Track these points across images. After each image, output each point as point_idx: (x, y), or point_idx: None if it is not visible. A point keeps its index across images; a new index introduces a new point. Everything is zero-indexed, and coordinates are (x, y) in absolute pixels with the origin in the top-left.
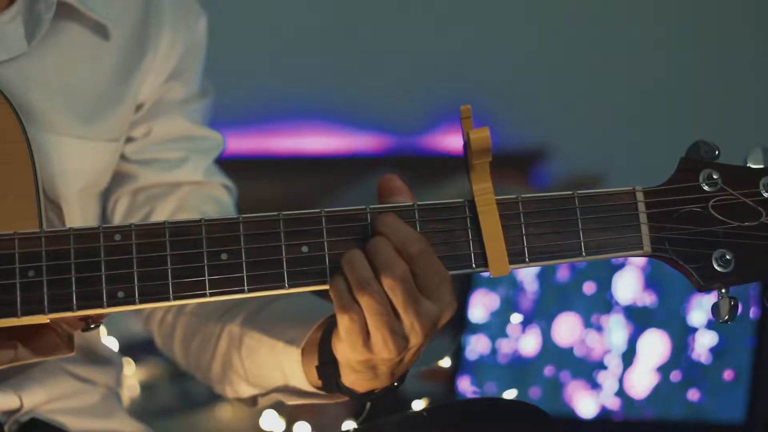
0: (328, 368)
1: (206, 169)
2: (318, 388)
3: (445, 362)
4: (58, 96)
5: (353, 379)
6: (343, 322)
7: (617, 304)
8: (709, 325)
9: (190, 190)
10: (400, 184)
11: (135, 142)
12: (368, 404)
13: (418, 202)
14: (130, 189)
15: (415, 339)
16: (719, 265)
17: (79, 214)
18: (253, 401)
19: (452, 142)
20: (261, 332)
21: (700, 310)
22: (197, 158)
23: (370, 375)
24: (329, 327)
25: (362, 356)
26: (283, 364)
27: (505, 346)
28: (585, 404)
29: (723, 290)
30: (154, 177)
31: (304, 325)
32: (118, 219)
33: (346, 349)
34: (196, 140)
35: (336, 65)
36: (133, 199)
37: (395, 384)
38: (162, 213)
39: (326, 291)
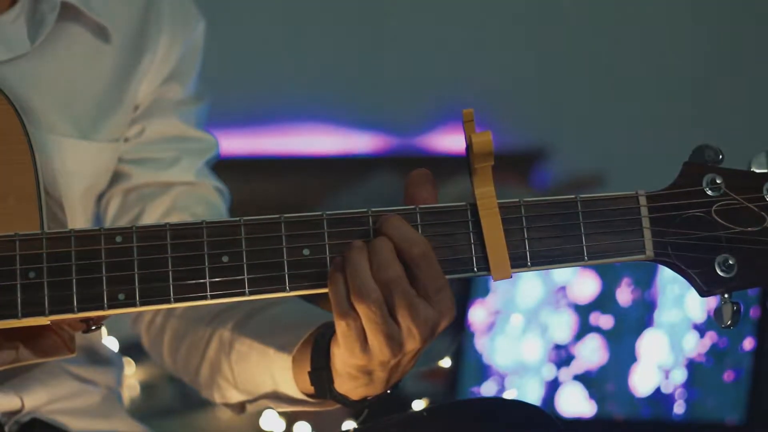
0: (320, 375)
1: (198, 170)
2: (309, 395)
3: (445, 362)
4: (59, 97)
5: (348, 386)
6: (341, 327)
7: (617, 304)
8: (709, 326)
9: (183, 190)
10: (421, 179)
11: (128, 141)
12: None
13: (420, 206)
14: (122, 188)
15: (412, 344)
16: (722, 270)
17: (82, 216)
18: (241, 407)
19: (452, 142)
20: (252, 338)
21: (700, 310)
22: (189, 159)
23: (366, 381)
24: (322, 334)
25: (360, 361)
26: (273, 371)
27: (505, 346)
28: (585, 404)
29: (726, 295)
30: (147, 176)
31: (296, 332)
32: (109, 218)
33: (344, 354)
34: (189, 141)
35: (335, 65)
36: (124, 198)
37: (388, 391)
38: (154, 213)
39: (320, 296)
